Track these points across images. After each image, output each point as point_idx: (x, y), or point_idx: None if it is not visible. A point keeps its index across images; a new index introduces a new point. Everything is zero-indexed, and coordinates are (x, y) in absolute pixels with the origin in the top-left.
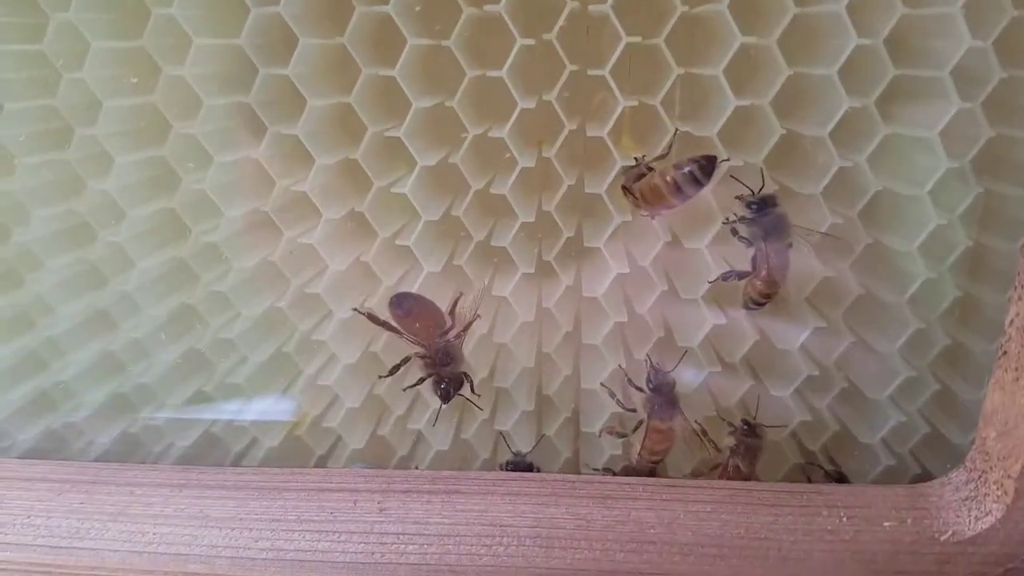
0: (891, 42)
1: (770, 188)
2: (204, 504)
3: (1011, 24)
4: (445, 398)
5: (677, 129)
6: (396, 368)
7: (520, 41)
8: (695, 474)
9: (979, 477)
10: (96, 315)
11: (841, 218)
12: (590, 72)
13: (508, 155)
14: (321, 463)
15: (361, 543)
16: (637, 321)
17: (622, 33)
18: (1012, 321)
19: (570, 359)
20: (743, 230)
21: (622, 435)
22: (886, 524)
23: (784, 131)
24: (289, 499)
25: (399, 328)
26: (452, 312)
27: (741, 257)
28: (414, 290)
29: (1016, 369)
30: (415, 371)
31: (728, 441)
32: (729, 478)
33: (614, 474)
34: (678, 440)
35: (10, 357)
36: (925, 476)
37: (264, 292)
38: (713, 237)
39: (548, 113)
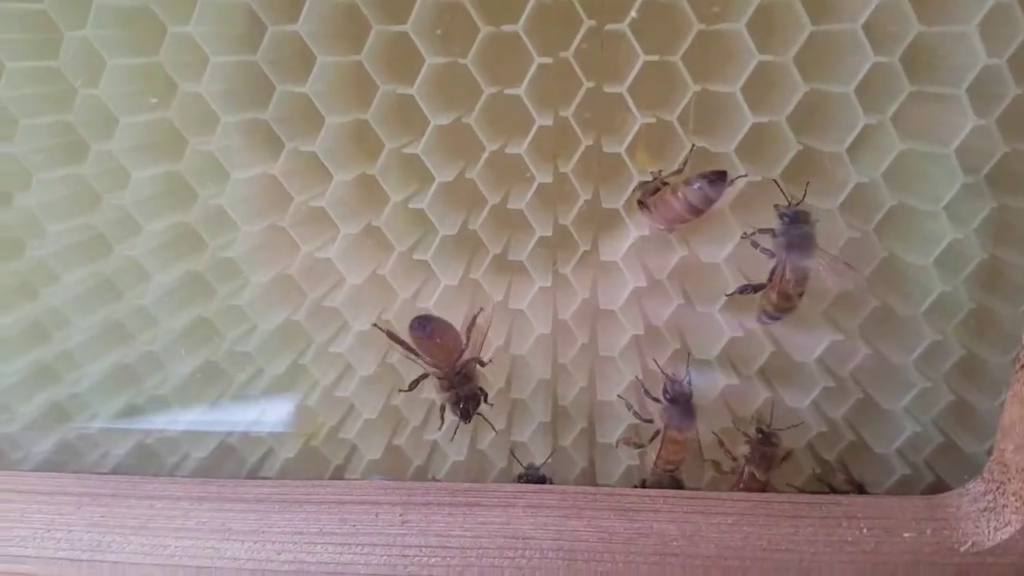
0: (906, 59)
1: (805, 204)
2: (226, 517)
3: None
4: (466, 417)
5: (693, 145)
6: (415, 383)
7: (538, 60)
8: (710, 485)
9: (997, 488)
10: (112, 327)
11: (858, 232)
12: (607, 89)
13: (528, 174)
14: (338, 474)
15: (384, 555)
16: (653, 333)
17: (639, 51)
18: None
19: (586, 371)
20: (766, 240)
21: (639, 445)
22: (906, 535)
23: (800, 147)
24: (310, 511)
25: (416, 349)
26: (469, 330)
27: (758, 270)
28: (432, 303)
29: None
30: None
31: (743, 450)
32: (744, 487)
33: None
34: (693, 449)
35: (25, 369)
36: (939, 485)
37: (280, 305)
38: (730, 250)
39: (564, 129)
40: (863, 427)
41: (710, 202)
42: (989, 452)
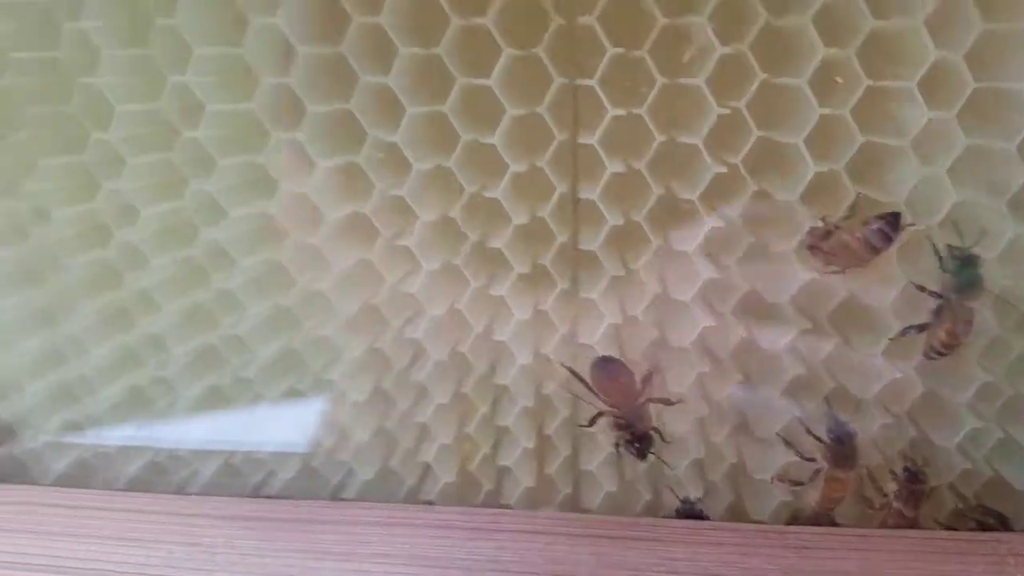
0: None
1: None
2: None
3: None
4: (641, 456)
5: (859, 193)
6: (593, 420)
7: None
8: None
9: None
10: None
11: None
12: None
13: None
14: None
15: None
16: (810, 377)
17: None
18: None
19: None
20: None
21: (797, 483)
22: None
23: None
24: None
25: (594, 388)
26: (646, 380)
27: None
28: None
29: None
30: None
31: (891, 487)
32: (892, 524)
33: None
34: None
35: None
36: None
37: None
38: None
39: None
40: (1004, 464)
41: (888, 242)
42: None
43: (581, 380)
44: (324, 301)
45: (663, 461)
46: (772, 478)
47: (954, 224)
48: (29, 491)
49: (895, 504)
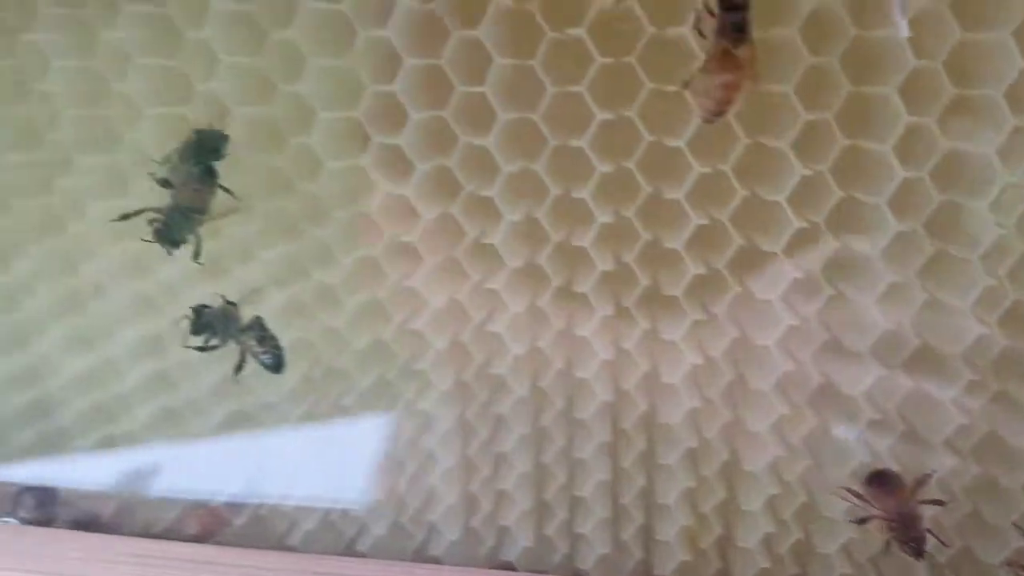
0: None
1: None
2: None
3: None
4: (919, 556)
5: None
6: (863, 520)
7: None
8: None
9: None
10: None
11: None
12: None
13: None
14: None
15: None
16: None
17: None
18: None
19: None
20: None
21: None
22: None
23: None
24: None
25: (870, 500)
26: (920, 484)
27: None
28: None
29: None
30: None
31: None
32: None
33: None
34: None
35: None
36: None
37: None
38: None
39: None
40: None
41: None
42: None
43: (858, 496)
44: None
45: (940, 539)
46: (1001, 563)
47: None
48: None
49: None
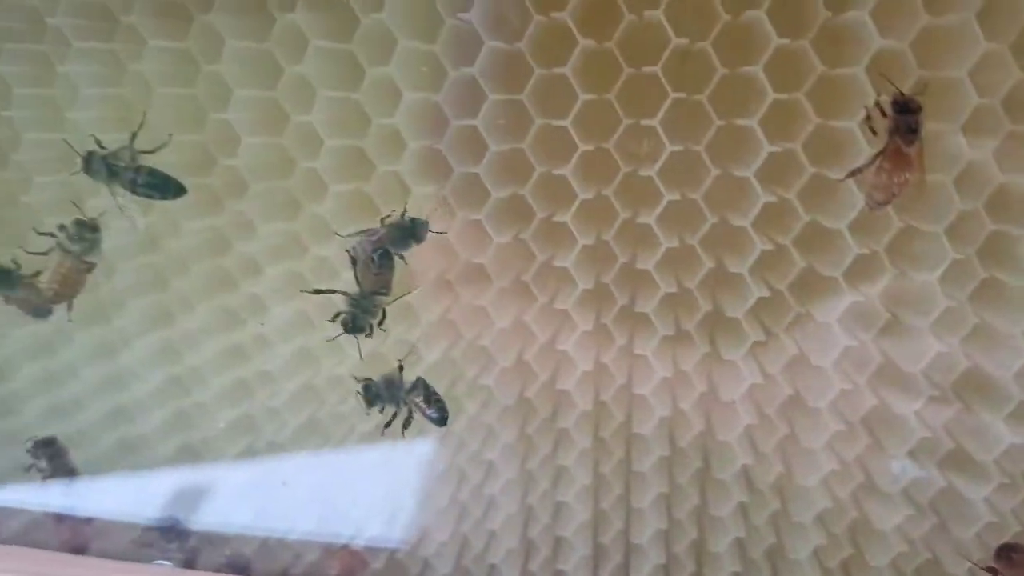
0: None
1: None
2: None
3: None
4: None
5: None
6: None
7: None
8: None
9: None
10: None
11: None
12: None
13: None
14: None
15: None
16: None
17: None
18: None
19: None
20: None
21: None
22: None
23: None
24: None
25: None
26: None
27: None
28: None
29: None
30: None
31: None
32: None
33: None
34: None
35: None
36: None
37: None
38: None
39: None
40: None
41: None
42: None
43: (992, 571)
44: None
45: None
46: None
47: None
48: None
49: None
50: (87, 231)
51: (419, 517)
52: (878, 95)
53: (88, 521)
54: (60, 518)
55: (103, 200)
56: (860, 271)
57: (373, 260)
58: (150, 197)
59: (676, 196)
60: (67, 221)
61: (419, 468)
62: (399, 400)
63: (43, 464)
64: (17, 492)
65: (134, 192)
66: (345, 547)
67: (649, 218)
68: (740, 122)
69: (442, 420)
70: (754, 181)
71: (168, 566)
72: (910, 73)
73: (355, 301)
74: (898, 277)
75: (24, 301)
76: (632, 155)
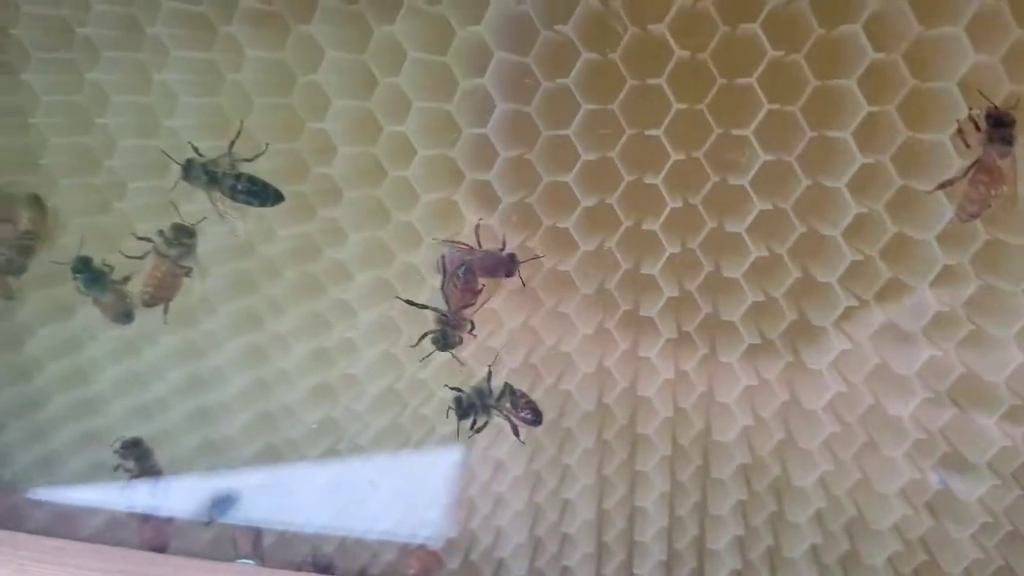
0: None
1: None
2: None
3: None
4: None
5: None
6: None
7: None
8: None
9: None
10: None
11: None
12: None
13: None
14: None
15: None
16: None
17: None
18: None
19: None
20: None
21: None
22: None
23: None
24: None
25: None
26: None
27: None
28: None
29: None
30: None
31: None
32: None
33: None
34: None
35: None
36: None
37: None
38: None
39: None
40: None
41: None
42: None
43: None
44: None
45: None
46: None
47: None
48: None
49: None
50: (185, 236)
51: (493, 519)
52: (970, 109)
53: (169, 520)
54: (144, 518)
55: (196, 206)
56: (944, 281)
57: (459, 276)
58: (249, 204)
59: (768, 206)
60: (164, 226)
61: (496, 471)
62: (489, 408)
63: (130, 464)
64: (100, 491)
65: (234, 199)
66: (422, 547)
67: (739, 227)
68: (831, 134)
69: (536, 420)
70: (846, 192)
71: (251, 564)
72: (1002, 88)
73: (444, 318)
74: (982, 288)
75: (109, 306)
76: (729, 164)
